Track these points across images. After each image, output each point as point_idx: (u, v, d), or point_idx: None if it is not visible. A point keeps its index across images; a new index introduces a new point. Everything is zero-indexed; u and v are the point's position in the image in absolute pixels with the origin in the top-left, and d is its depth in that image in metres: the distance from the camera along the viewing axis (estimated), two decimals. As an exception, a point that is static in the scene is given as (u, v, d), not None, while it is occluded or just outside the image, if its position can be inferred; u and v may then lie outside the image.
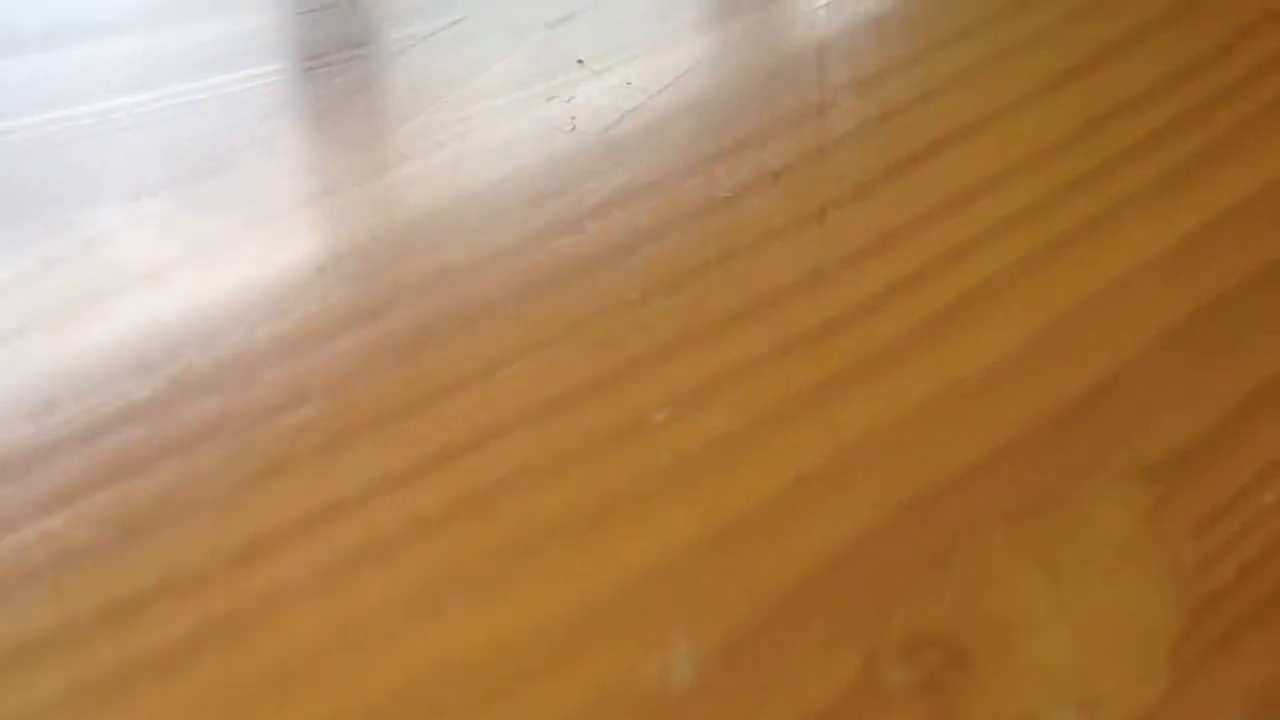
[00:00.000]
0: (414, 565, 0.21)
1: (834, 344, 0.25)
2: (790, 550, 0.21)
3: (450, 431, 0.23)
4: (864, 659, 0.20)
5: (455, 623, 0.20)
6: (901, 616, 0.21)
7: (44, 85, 0.29)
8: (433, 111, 0.28)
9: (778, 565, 0.21)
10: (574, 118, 0.28)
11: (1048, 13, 0.32)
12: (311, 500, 0.22)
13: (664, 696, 0.19)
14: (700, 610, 0.21)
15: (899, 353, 0.24)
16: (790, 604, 0.21)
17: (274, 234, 0.26)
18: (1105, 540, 0.22)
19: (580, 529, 0.22)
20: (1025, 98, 0.30)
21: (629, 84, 0.29)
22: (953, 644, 0.20)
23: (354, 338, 0.24)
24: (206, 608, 0.20)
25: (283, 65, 0.30)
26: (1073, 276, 0.26)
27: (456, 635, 0.20)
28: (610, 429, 0.23)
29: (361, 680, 0.19)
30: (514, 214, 0.27)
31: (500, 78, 0.29)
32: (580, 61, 0.29)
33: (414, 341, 0.24)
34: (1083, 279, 0.26)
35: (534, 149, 0.28)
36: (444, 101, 0.29)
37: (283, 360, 0.23)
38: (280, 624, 0.20)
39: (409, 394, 0.23)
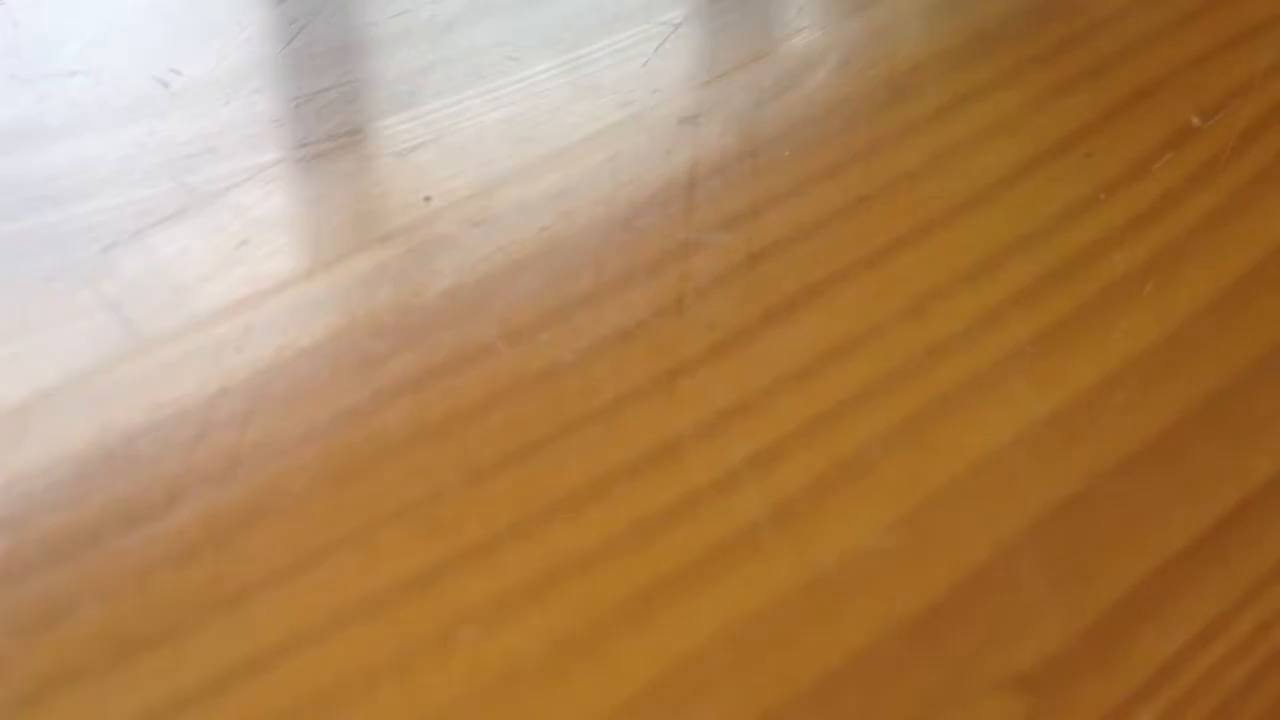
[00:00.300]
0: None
1: (683, 531, 0.23)
2: (612, 793, 0.20)
3: (248, 643, 0.21)
4: None
5: None
6: None
7: None
8: (261, 258, 0.27)
9: (598, 810, 0.20)
10: (415, 265, 0.27)
11: (933, 142, 0.30)
12: (82, 732, 0.20)
13: None
14: None
15: (753, 541, 0.23)
16: None
17: (49, 410, 0.24)
18: (970, 767, 0.20)
19: (382, 764, 0.20)
20: (907, 238, 0.28)
21: (477, 225, 0.27)
22: None
23: (139, 535, 0.22)
24: None
25: (112, 204, 0.28)
26: (949, 446, 0.24)
27: None
28: (429, 636, 0.21)
29: None
30: (342, 379, 0.25)
31: (340, 217, 0.28)
32: (427, 199, 0.28)
33: (211, 537, 0.22)
34: (960, 449, 0.24)
35: (370, 302, 0.26)
36: (274, 245, 0.27)
37: (49, 567, 0.22)
38: None
39: (200, 601, 0.21)
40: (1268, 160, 0.30)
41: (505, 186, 0.28)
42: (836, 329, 0.26)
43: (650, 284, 0.27)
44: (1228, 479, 0.24)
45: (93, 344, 0.25)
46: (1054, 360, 0.26)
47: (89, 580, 0.21)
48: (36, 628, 0.21)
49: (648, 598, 0.22)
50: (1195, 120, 0.31)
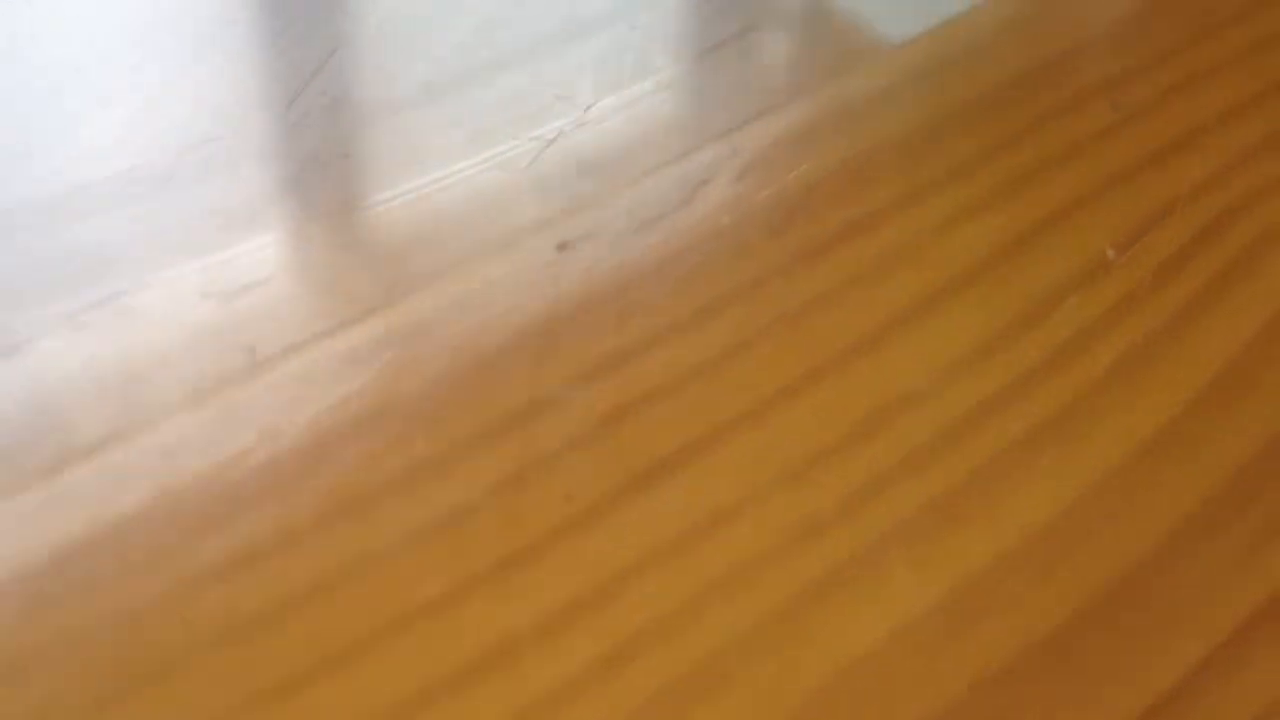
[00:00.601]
0: None
1: (512, 752, 0.21)
2: None
3: None
4: None
5: None
6: None
7: None
8: (60, 422, 0.25)
9: None
10: (233, 430, 0.25)
11: (824, 274, 0.28)
12: None
13: None
14: None
15: (590, 766, 0.21)
16: None
17: None
18: None
19: None
20: (788, 390, 0.26)
21: (303, 380, 0.26)
22: None
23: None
24: None
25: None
26: (818, 645, 0.23)
27: None
28: None
29: None
30: (146, 564, 0.23)
31: (153, 371, 0.26)
32: (251, 350, 0.26)
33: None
34: (830, 648, 0.23)
35: (181, 473, 0.24)
36: (74, 407, 0.25)
37: None
38: None
39: None
40: (1185, 298, 0.28)
41: (339, 333, 0.26)
42: (705, 500, 0.24)
43: (491, 452, 0.25)
44: (1130, 682, 0.22)
45: None
46: (941, 537, 0.24)
47: None
48: None
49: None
50: (1110, 253, 0.29)
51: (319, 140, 0.30)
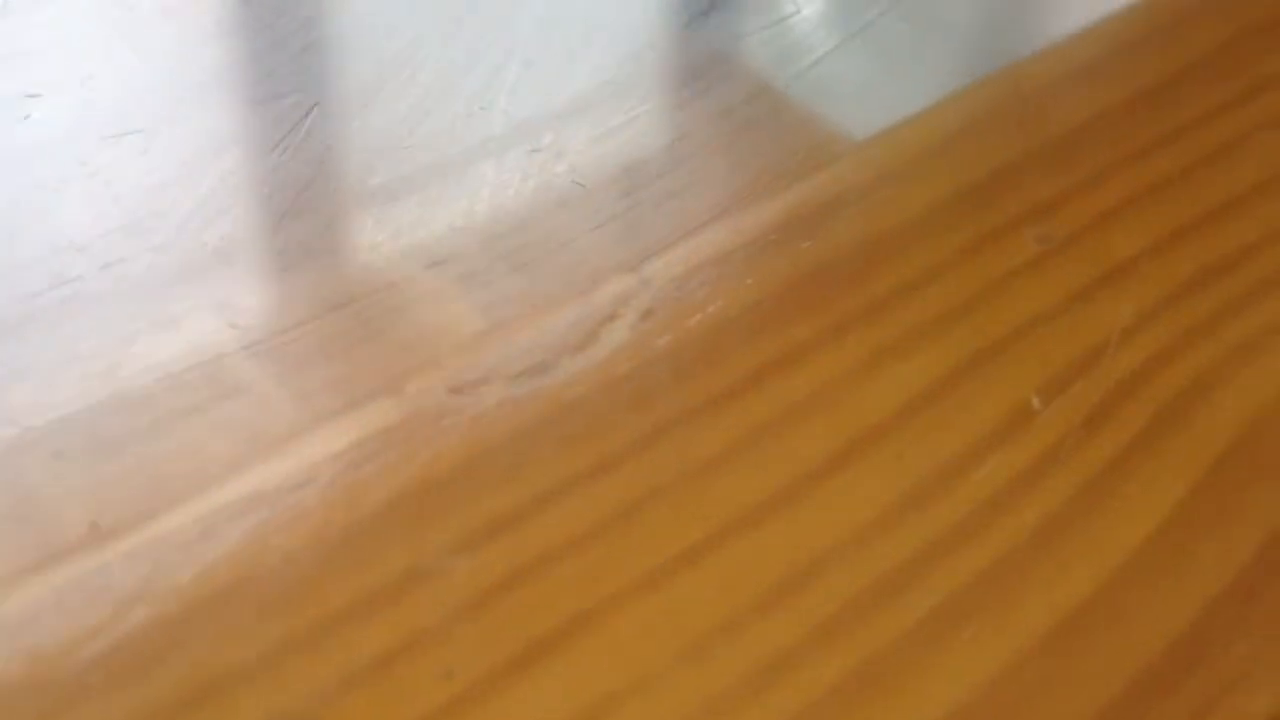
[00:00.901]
0: None
1: None
2: None
3: None
4: None
5: None
6: None
7: None
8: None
9: None
10: (72, 612, 0.23)
11: (731, 425, 0.27)
12: None
13: None
14: None
15: None
16: None
17: None
18: None
19: None
20: (691, 553, 0.25)
21: (148, 557, 0.24)
22: None
23: None
24: None
25: None
26: None
27: None
28: None
29: None
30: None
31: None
32: (94, 524, 0.24)
33: None
34: None
35: (11, 657, 0.22)
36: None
37: None
38: None
39: None
40: (1115, 452, 0.27)
41: (192, 501, 0.25)
42: (595, 680, 0.23)
43: (369, 624, 0.23)
44: None
45: None
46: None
47: None
48: None
49: None
50: (1035, 402, 0.28)
51: (179, 286, 0.29)
